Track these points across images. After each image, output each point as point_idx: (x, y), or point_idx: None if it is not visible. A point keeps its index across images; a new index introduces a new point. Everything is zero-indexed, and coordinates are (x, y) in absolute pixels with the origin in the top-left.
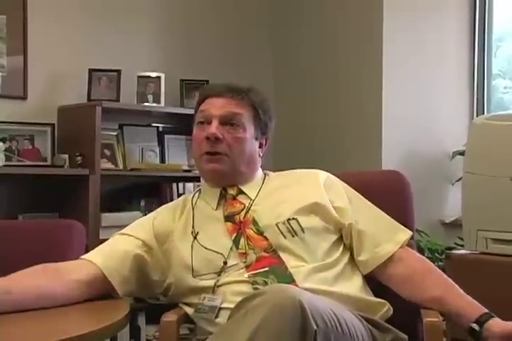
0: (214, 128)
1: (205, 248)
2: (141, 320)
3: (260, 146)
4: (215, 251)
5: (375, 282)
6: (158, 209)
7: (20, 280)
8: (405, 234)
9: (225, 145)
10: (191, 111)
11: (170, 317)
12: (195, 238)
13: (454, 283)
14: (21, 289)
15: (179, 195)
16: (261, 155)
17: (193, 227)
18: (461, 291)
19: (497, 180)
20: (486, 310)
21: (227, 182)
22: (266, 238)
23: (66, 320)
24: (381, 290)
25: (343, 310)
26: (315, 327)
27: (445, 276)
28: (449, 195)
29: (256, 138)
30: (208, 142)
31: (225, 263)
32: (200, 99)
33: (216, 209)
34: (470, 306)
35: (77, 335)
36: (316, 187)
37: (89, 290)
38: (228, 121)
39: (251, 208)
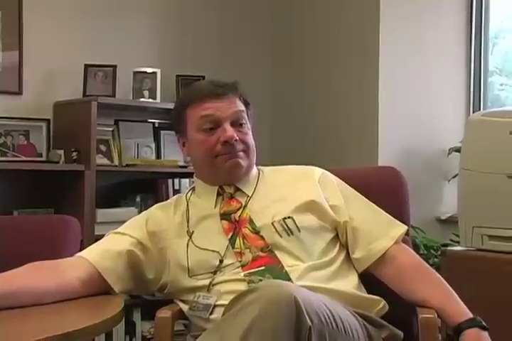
0: (231, 131)
1: (200, 248)
2: (137, 316)
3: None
4: (211, 250)
5: (371, 278)
6: (152, 208)
7: (18, 278)
8: (400, 228)
9: (241, 145)
10: None
11: (165, 313)
12: (190, 237)
13: (444, 282)
14: (19, 287)
15: (175, 191)
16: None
17: (187, 226)
18: (449, 293)
19: (493, 177)
20: (469, 317)
21: (229, 180)
22: (262, 237)
23: (61, 315)
24: (377, 286)
25: (338, 307)
26: (309, 323)
27: (435, 276)
28: (445, 192)
29: (252, 132)
30: (225, 145)
31: (221, 261)
32: (194, 102)
33: (214, 208)
34: (453, 312)
35: (71, 331)
36: (312, 185)
37: (87, 287)
38: (238, 122)
39: (248, 206)
